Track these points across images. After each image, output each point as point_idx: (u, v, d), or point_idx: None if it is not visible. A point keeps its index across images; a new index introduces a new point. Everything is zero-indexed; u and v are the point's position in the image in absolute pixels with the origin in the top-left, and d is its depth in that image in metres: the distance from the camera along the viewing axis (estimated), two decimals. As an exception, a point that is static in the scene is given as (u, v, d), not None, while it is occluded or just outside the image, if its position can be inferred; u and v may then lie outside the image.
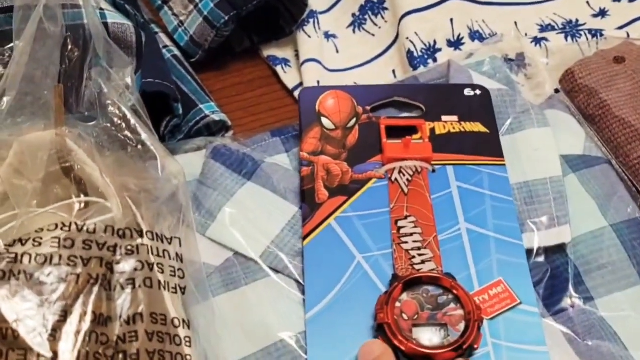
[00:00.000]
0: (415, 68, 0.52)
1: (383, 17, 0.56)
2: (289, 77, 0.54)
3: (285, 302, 0.40)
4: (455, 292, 0.38)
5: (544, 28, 0.55)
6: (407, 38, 0.53)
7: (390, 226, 0.42)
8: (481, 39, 0.54)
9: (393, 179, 0.44)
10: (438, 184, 0.44)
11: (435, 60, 0.53)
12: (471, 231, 0.42)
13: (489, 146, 0.45)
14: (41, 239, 0.32)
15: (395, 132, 0.46)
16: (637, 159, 0.45)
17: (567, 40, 0.53)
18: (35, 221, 0.35)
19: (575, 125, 0.48)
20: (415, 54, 0.52)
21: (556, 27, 0.55)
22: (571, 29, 0.54)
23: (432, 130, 0.46)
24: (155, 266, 0.33)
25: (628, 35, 0.53)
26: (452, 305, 0.38)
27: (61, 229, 0.32)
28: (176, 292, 0.34)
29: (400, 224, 0.42)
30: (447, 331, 0.38)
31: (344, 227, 0.42)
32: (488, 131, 0.46)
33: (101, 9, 0.48)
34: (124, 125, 0.38)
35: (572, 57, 0.50)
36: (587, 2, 0.57)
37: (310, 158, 0.45)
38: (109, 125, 0.38)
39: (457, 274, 0.40)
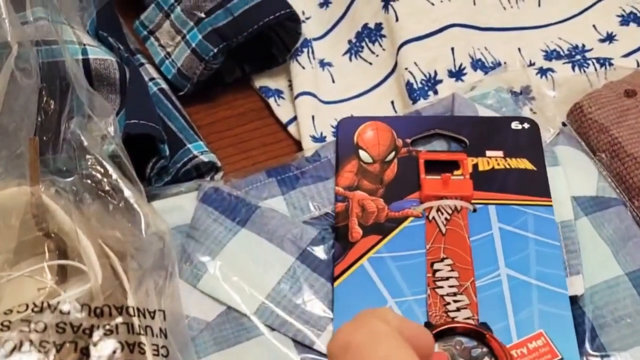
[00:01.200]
0: (414, 100, 0.50)
1: (381, 45, 0.53)
2: (282, 111, 0.52)
3: (282, 364, 0.38)
4: (490, 344, 0.36)
5: (549, 54, 0.53)
6: (406, 69, 0.50)
7: (425, 269, 0.40)
8: (483, 67, 0.51)
9: (430, 217, 0.42)
10: (478, 225, 0.41)
11: (435, 92, 0.50)
12: (512, 277, 0.39)
13: (535, 185, 0.43)
14: (10, 322, 0.29)
15: (436, 167, 0.43)
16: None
17: (574, 70, 0.50)
18: (13, 287, 0.32)
19: (586, 163, 0.45)
20: (415, 86, 0.50)
21: (562, 53, 0.53)
22: (578, 55, 0.52)
23: (475, 166, 0.44)
24: (136, 347, 0.30)
25: (638, 63, 0.50)
26: (486, 359, 0.36)
27: (32, 310, 0.29)
28: (158, 374, 0.31)
29: (436, 266, 0.40)
30: None
31: (377, 269, 0.40)
32: (535, 168, 0.43)
33: (82, 43, 0.46)
34: (104, 180, 0.35)
35: (579, 89, 0.48)
36: (594, 26, 0.54)
37: (346, 193, 0.43)
38: (88, 180, 0.35)
39: (495, 324, 0.37)
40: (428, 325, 0.38)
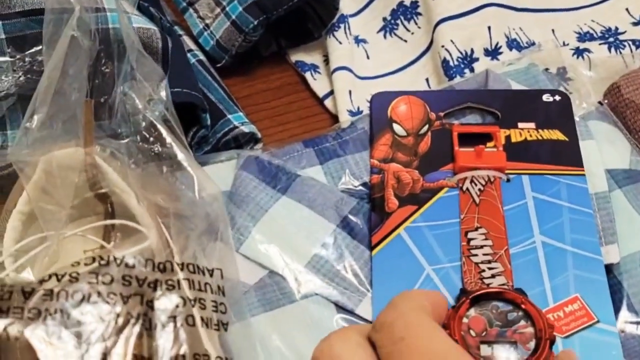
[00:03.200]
0: (451, 77, 0.50)
1: (416, 23, 0.54)
2: (319, 85, 0.52)
3: (324, 327, 0.39)
4: (526, 308, 0.36)
5: (582, 36, 0.53)
6: (443, 46, 0.51)
7: (460, 238, 0.40)
8: (518, 47, 0.52)
9: (464, 188, 0.42)
10: (512, 195, 0.42)
11: (472, 69, 0.50)
12: (547, 244, 0.40)
13: (567, 155, 0.43)
14: (78, 274, 0.29)
15: (469, 139, 0.44)
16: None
17: (610, 51, 0.51)
18: (66, 246, 0.33)
19: (620, 138, 0.46)
20: (451, 63, 0.50)
21: (595, 35, 0.53)
22: (612, 38, 0.52)
23: (508, 137, 0.44)
24: (197, 302, 0.31)
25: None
26: (523, 323, 0.36)
27: (99, 263, 0.30)
28: (219, 329, 0.31)
29: (470, 235, 0.40)
30: (517, 349, 0.35)
31: (413, 238, 0.41)
32: (567, 139, 0.44)
33: (126, 12, 0.46)
34: (158, 142, 0.36)
35: (615, 70, 0.48)
36: (627, 9, 0.55)
37: (381, 165, 0.44)
38: (142, 142, 0.36)
39: (530, 290, 0.38)
40: (464, 291, 0.38)
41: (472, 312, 0.36)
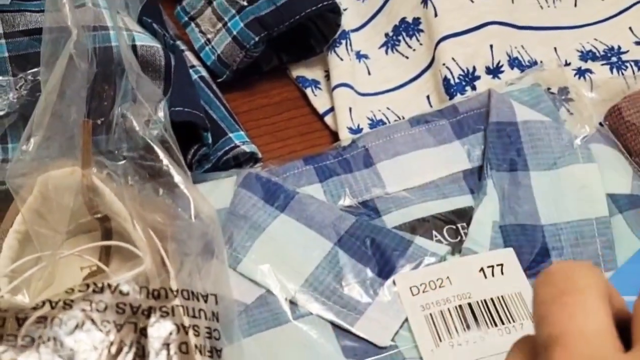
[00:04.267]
0: (451, 96, 0.50)
1: (418, 40, 0.54)
2: (320, 101, 0.52)
3: (321, 347, 0.38)
4: None
5: (584, 55, 0.53)
6: (444, 64, 0.51)
7: None
8: (520, 66, 0.52)
9: None
10: None
11: (474, 87, 0.50)
12: None
13: None
14: (71, 301, 0.29)
15: None
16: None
17: (612, 72, 0.50)
18: (62, 265, 0.32)
19: (622, 162, 0.45)
20: (452, 82, 0.50)
21: (597, 54, 0.53)
22: (614, 57, 0.52)
23: None
24: (190, 329, 0.31)
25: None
26: None
27: (93, 290, 0.30)
28: (212, 356, 0.31)
29: None
30: None
31: None
32: None
33: (129, 30, 0.46)
34: (155, 164, 0.36)
35: (617, 91, 0.48)
36: (630, 28, 0.55)
37: None
38: (139, 163, 0.35)
39: None
40: None
41: None
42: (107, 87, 0.37)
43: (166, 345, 0.30)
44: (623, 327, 0.23)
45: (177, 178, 0.36)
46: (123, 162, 0.35)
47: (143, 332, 0.30)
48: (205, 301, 0.33)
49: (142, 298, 0.30)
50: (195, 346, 0.30)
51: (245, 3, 0.50)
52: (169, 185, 0.36)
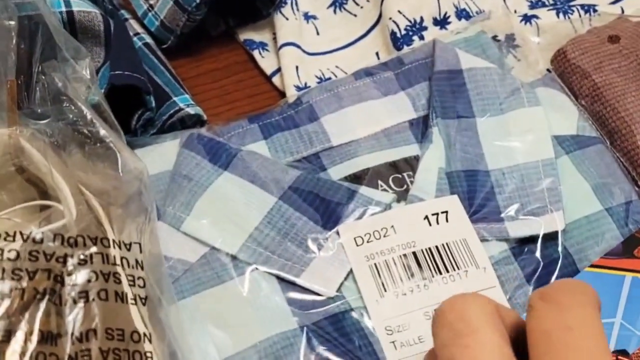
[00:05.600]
0: (399, 49, 0.50)
1: (365, -4, 0.53)
2: (267, 62, 0.52)
3: (266, 300, 0.38)
4: None
5: (534, 4, 0.53)
6: (390, 18, 0.50)
7: None
8: (468, 16, 0.51)
9: None
10: None
11: (422, 38, 0.50)
12: None
13: None
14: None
15: None
16: (632, 144, 0.42)
17: (558, 16, 0.50)
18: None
19: (568, 104, 0.45)
20: (399, 34, 0.50)
21: (547, 3, 0.52)
22: (563, 4, 0.52)
23: None
24: (111, 276, 0.30)
25: (622, 10, 0.50)
26: None
27: (4, 239, 0.29)
28: (135, 303, 0.31)
29: None
30: None
31: (632, 288, 0.36)
32: None
33: (66, -7, 0.46)
34: (80, 122, 0.35)
35: (564, 35, 0.48)
36: (579, -25, 0.54)
37: None
38: (63, 122, 0.35)
39: None
40: None
41: None
42: (27, 44, 0.36)
43: (84, 292, 0.29)
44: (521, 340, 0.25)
45: (103, 133, 0.35)
46: (47, 120, 0.35)
47: (58, 280, 0.29)
48: (128, 249, 0.32)
49: (56, 245, 0.30)
50: (116, 293, 0.30)
51: (185, -35, 0.49)
52: (95, 141, 0.35)
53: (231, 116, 0.49)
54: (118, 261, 0.31)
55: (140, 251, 0.33)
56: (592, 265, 0.38)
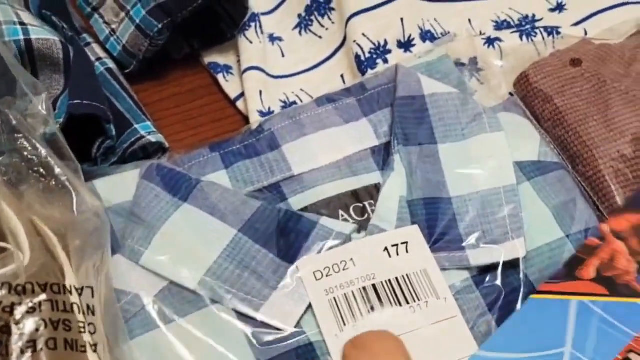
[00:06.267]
0: (363, 72, 0.49)
1: (330, 18, 0.53)
2: (231, 86, 0.51)
3: (225, 335, 0.38)
4: None
5: (499, 25, 0.52)
6: (355, 41, 0.50)
7: (618, 350, 0.35)
8: (433, 39, 0.51)
9: None
10: None
11: (386, 61, 0.50)
12: None
13: None
14: None
15: None
16: (593, 169, 0.42)
17: (522, 39, 0.50)
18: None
19: (530, 128, 0.45)
20: (363, 58, 0.49)
21: (512, 23, 0.52)
22: (528, 25, 0.52)
23: None
24: (61, 324, 0.30)
25: (586, 32, 0.50)
26: None
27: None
28: (85, 351, 0.30)
29: (631, 356, 0.35)
30: None
31: (580, 315, 0.36)
32: None
33: (24, 23, 0.45)
34: (35, 159, 0.34)
35: (527, 58, 0.48)
36: (545, -5, 0.54)
37: (607, 236, 0.39)
38: (18, 159, 0.34)
39: None
40: None
41: None
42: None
43: (32, 342, 0.29)
44: None
45: (58, 171, 0.35)
46: (0, 158, 0.34)
47: (4, 330, 0.29)
48: (80, 294, 0.32)
49: (4, 294, 0.29)
50: (66, 341, 0.29)
51: (146, -10, 0.49)
52: (51, 179, 0.35)
53: (194, 142, 0.49)
54: (68, 307, 0.31)
55: (93, 295, 0.32)
56: (537, 292, 0.38)
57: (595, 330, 0.36)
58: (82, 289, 0.32)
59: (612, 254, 0.39)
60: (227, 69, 0.52)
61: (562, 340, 0.36)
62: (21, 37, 0.44)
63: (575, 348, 0.35)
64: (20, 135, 0.35)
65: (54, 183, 0.35)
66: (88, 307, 0.32)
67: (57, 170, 0.35)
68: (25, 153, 0.35)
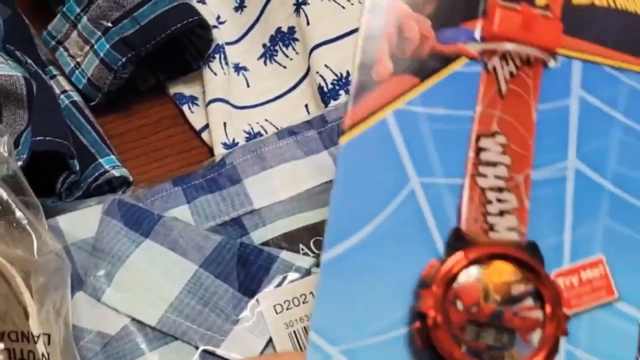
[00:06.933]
0: (326, 103, 0.50)
1: (294, 49, 0.54)
2: (196, 117, 0.52)
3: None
4: (538, 282, 0.26)
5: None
6: (317, 72, 0.51)
7: (468, 143, 0.29)
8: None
9: (490, 67, 0.29)
10: (552, 89, 0.29)
11: (348, 92, 0.50)
12: (581, 175, 0.29)
13: None
14: None
15: None
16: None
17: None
18: None
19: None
20: (325, 89, 0.50)
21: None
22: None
23: None
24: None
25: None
26: (530, 302, 0.27)
27: None
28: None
29: (482, 143, 0.29)
30: (513, 340, 0.26)
31: (403, 128, 0.28)
32: None
33: (-16, 60, 0.45)
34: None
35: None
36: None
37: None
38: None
39: (544, 238, 0.28)
40: (459, 236, 0.28)
41: (465, 274, 0.26)
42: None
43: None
44: None
45: (19, 214, 0.35)
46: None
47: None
48: (36, 342, 0.32)
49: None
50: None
51: (109, 24, 0.49)
52: (11, 222, 0.35)
53: (159, 174, 0.49)
54: (25, 355, 0.31)
55: (49, 342, 0.33)
56: (344, 132, 0.29)
57: (430, 137, 0.29)
58: (38, 335, 0.32)
59: (398, 25, 0.30)
60: (192, 99, 0.53)
61: (404, 177, 0.28)
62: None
63: (420, 175, 0.29)
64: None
65: (15, 225, 0.35)
66: (43, 355, 0.32)
67: (18, 214, 0.35)
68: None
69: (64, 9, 0.51)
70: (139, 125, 0.52)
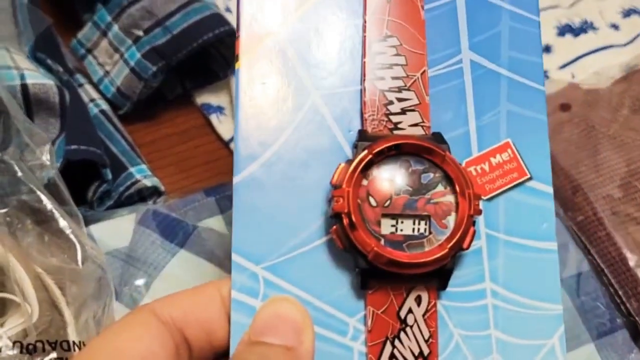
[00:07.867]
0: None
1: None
2: (224, 128, 0.52)
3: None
4: (445, 168, 0.27)
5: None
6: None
7: (361, 49, 0.29)
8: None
9: None
10: None
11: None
12: (476, 65, 0.30)
13: None
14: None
15: None
16: (585, 213, 0.43)
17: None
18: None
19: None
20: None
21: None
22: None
23: None
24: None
25: (573, 75, 0.51)
26: (440, 188, 0.27)
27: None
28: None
29: (376, 47, 0.29)
30: (430, 226, 0.27)
31: (294, 45, 0.29)
32: None
33: (20, 68, 0.45)
34: (39, 210, 0.35)
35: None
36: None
37: None
38: (22, 211, 0.34)
39: (450, 131, 0.29)
40: (364, 135, 0.28)
41: (374, 171, 0.27)
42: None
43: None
44: None
45: (63, 223, 0.35)
46: (5, 210, 0.34)
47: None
48: (74, 351, 0.32)
49: (15, 354, 0.29)
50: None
51: (141, 33, 0.49)
52: (55, 231, 0.35)
53: (188, 184, 0.49)
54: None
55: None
56: None
57: (324, 49, 0.29)
58: (78, 344, 0.32)
59: None
60: (219, 109, 0.53)
61: (305, 91, 0.29)
62: (17, 81, 0.44)
63: (318, 88, 0.29)
64: (25, 187, 0.35)
65: (57, 234, 0.35)
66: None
67: (62, 223, 0.35)
68: (30, 204, 0.35)
69: (95, 17, 0.51)
70: (167, 135, 0.52)
